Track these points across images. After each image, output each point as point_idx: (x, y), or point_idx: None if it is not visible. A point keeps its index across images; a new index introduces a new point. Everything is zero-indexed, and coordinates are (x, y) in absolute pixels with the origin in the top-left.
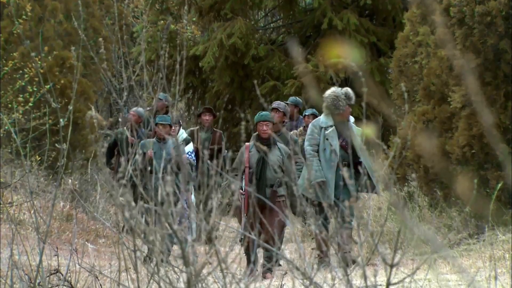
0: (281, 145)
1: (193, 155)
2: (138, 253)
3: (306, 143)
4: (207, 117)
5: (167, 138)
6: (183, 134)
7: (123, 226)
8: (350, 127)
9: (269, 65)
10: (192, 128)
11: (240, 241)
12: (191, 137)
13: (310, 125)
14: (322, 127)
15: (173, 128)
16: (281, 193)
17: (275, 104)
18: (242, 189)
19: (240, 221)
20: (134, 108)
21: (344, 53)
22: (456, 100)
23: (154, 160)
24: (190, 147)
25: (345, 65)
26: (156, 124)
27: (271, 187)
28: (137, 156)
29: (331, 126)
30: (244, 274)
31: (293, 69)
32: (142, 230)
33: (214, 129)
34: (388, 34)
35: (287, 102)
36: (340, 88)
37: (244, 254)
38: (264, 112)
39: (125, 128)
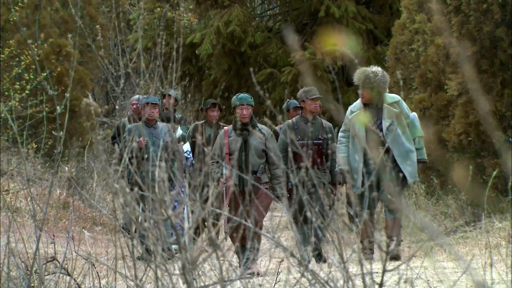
0: (262, 126)
1: (191, 155)
2: (134, 241)
3: (341, 129)
4: (214, 113)
5: (156, 122)
6: (179, 130)
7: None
8: (385, 108)
9: (266, 53)
10: (197, 122)
11: (226, 232)
12: (195, 131)
13: (348, 109)
14: (353, 111)
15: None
16: (265, 180)
17: (315, 91)
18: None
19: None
20: (136, 97)
21: (340, 42)
22: (453, 87)
23: (147, 147)
24: (187, 146)
25: (342, 52)
26: (145, 105)
27: (254, 173)
28: (134, 144)
29: (360, 108)
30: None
31: (290, 56)
32: (137, 217)
33: (220, 123)
34: (384, 22)
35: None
36: (375, 67)
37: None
38: (242, 95)
39: (126, 119)
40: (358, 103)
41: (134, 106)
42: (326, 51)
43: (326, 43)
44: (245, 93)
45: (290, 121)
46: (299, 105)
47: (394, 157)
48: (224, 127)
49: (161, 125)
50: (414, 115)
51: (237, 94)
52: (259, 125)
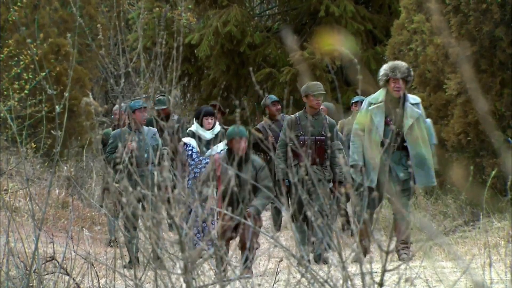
0: (254, 158)
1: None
2: (134, 240)
3: (355, 121)
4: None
5: (140, 126)
6: (218, 126)
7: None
8: (408, 107)
9: (265, 53)
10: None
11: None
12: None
13: (365, 100)
14: (371, 103)
15: (210, 121)
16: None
17: (318, 87)
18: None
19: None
20: (117, 107)
21: (337, 42)
22: (452, 87)
23: (135, 151)
24: (222, 145)
25: (340, 52)
26: (133, 111)
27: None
28: (132, 144)
29: (381, 102)
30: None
31: (289, 56)
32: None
33: (224, 126)
34: (383, 21)
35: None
36: (399, 61)
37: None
38: (238, 128)
39: (110, 129)
40: (378, 95)
41: (116, 116)
42: (324, 51)
43: (324, 43)
44: (240, 125)
45: (292, 116)
46: (277, 100)
47: (410, 158)
48: (215, 154)
49: (146, 129)
50: (429, 121)
51: (233, 126)
52: (252, 156)
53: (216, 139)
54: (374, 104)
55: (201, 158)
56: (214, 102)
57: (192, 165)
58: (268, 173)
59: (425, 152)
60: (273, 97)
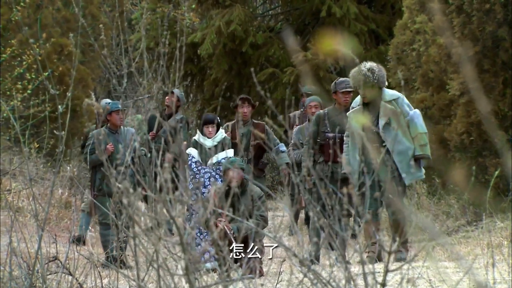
0: (252, 187)
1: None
2: (136, 240)
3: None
4: (244, 110)
5: (120, 127)
6: (221, 134)
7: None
8: (382, 106)
9: (268, 53)
10: (228, 123)
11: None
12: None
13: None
14: (353, 107)
15: (210, 129)
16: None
17: (347, 84)
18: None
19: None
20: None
21: (338, 44)
22: (455, 87)
23: (113, 153)
24: (230, 152)
25: (343, 53)
26: (110, 113)
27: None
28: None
29: (359, 105)
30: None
31: (293, 57)
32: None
33: (255, 121)
34: (386, 21)
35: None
36: (368, 63)
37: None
38: (234, 158)
39: (94, 126)
40: (358, 99)
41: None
42: (327, 52)
43: (326, 44)
44: (235, 156)
45: (321, 111)
46: (309, 92)
47: (394, 156)
48: (211, 191)
49: (124, 129)
50: (414, 112)
51: (231, 158)
52: (250, 186)
53: (218, 147)
54: (354, 107)
55: (199, 168)
56: (244, 95)
57: (191, 175)
58: (265, 203)
59: (406, 147)
60: (307, 88)
